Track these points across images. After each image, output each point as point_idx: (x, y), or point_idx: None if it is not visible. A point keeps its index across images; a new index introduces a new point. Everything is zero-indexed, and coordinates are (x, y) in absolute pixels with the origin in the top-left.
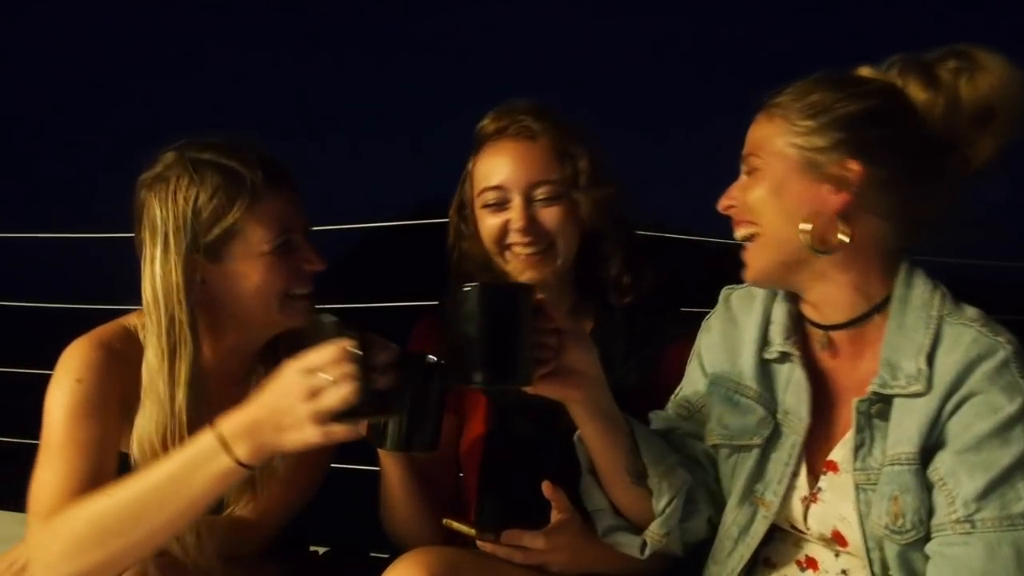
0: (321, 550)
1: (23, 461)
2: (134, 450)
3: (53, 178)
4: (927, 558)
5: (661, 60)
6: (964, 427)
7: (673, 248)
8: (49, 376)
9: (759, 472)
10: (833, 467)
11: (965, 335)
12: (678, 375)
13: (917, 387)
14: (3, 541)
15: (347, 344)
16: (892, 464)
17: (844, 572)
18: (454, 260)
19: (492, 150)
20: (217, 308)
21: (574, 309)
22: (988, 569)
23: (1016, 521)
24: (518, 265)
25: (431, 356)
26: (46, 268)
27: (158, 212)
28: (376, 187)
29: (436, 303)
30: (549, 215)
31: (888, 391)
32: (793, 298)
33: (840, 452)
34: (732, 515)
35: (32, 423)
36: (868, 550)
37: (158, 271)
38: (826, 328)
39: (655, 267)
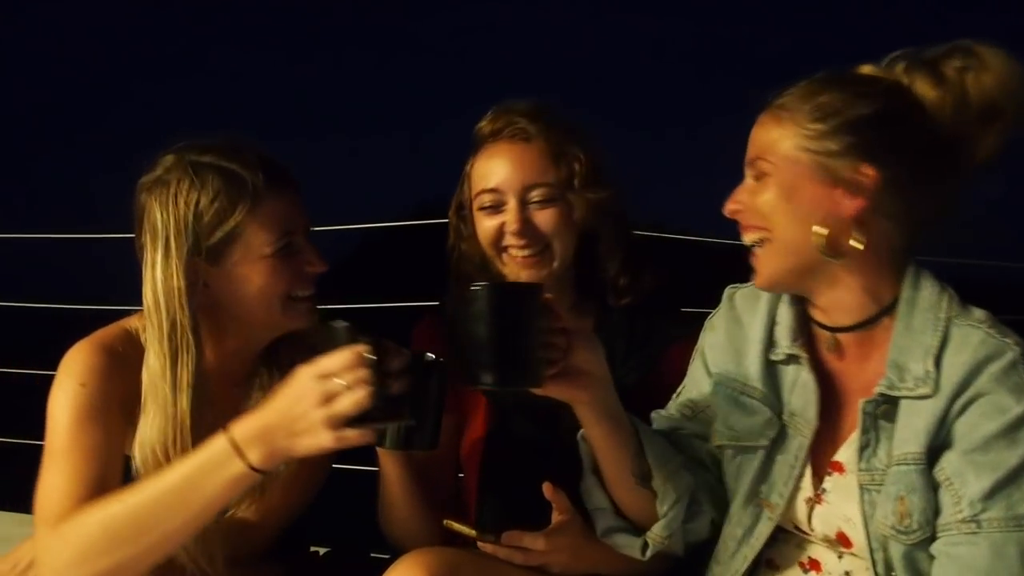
0: (322, 550)
1: (24, 461)
2: (136, 454)
3: (53, 178)
4: (932, 558)
5: (661, 60)
6: (971, 427)
7: (672, 248)
8: (49, 377)
9: (764, 473)
10: (839, 468)
11: (973, 336)
12: (679, 375)
13: (924, 390)
14: (3, 541)
15: (361, 349)
16: (898, 464)
17: (847, 574)
18: (453, 260)
19: (488, 152)
20: (219, 311)
21: (574, 309)
22: (993, 569)
23: (1022, 522)
24: (515, 267)
25: (430, 354)
26: (46, 268)
27: (159, 216)
28: (376, 187)
29: (436, 303)
30: (544, 217)
31: (895, 393)
32: (799, 299)
33: (846, 453)
34: (736, 516)
35: (32, 423)
36: (872, 551)
37: (159, 275)
38: (834, 330)
39: (654, 267)
